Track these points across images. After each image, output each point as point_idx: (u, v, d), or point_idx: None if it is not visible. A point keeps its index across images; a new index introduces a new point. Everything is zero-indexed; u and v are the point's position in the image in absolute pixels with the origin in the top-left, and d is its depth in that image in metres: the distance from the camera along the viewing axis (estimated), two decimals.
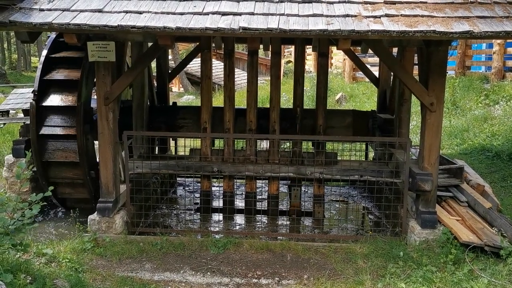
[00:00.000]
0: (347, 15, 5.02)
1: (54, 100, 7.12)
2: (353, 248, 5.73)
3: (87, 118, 7.05)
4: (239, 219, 7.61)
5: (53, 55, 7.28)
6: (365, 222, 7.83)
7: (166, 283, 5.03)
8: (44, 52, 7.37)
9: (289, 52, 27.21)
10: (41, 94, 7.08)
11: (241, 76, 21.23)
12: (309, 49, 19.55)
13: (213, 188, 8.22)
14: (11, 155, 7.83)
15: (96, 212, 6.09)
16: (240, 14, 5.06)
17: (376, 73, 9.19)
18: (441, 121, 5.82)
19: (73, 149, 6.96)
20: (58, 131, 7.04)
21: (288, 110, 7.73)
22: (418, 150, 6.38)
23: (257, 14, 5.06)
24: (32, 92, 7.26)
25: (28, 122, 7.60)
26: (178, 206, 8.31)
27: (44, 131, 7.01)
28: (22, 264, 4.53)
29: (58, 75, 7.20)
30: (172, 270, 5.29)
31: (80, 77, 6.89)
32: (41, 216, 7.47)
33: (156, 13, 5.10)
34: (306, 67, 21.38)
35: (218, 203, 8.01)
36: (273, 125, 7.28)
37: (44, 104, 7.08)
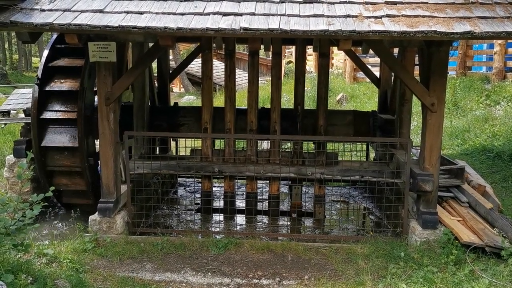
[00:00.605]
0: (348, 16, 5.02)
1: (57, 85, 7.20)
2: (354, 248, 5.72)
3: (89, 104, 7.09)
4: (240, 219, 7.61)
5: (58, 45, 7.34)
6: (366, 222, 7.83)
7: (167, 284, 5.03)
8: (50, 43, 7.50)
9: (289, 53, 27.22)
10: (44, 79, 7.15)
11: (242, 77, 21.25)
12: (310, 50, 19.57)
13: (214, 189, 8.22)
14: (12, 155, 7.83)
15: (97, 212, 6.09)
16: (241, 14, 5.06)
17: (377, 74, 9.18)
18: (442, 121, 5.82)
19: (72, 134, 6.98)
20: (59, 115, 7.09)
21: (289, 110, 7.73)
22: (419, 150, 6.38)
23: (258, 14, 5.06)
24: (35, 77, 7.34)
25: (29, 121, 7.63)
26: (179, 207, 8.31)
27: (45, 115, 7.06)
28: (23, 265, 4.53)
29: (63, 62, 7.30)
30: (173, 271, 5.29)
31: (84, 63, 6.94)
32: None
33: (157, 13, 5.10)
34: (307, 67, 21.38)
35: (219, 203, 8.01)
36: (274, 126, 7.28)
37: (47, 88, 7.14)
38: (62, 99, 7.17)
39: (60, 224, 7.37)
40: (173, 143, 9.23)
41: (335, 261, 5.47)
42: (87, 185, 7.11)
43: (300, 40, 7.34)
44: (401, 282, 4.91)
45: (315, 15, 5.05)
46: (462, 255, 5.31)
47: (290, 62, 24.82)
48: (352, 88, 17.69)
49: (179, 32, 4.93)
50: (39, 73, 7.21)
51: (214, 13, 5.08)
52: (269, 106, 7.50)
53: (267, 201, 7.70)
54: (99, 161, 6.36)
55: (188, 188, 9.18)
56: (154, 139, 8.15)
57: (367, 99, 15.84)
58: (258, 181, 7.98)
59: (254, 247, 5.76)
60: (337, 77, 19.59)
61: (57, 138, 7.03)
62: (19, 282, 4.09)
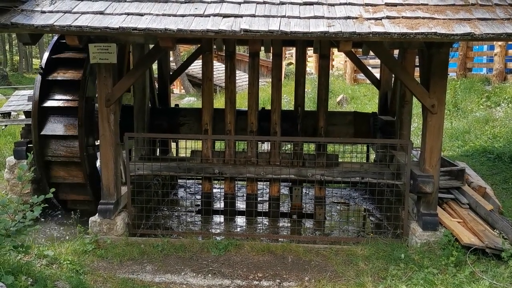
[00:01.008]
0: (348, 17, 5.03)
1: (60, 75, 7.28)
2: (354, 250, 5.72)
3: (91, 94, 7.14)
4: (240, 221, 7.60)
5: (63, 40, 7.45)
6: (366, 224, 7.82)
7: (167, 285, 5.04)
8: (55, 38, 7.63)
9: (290, 54, 27.22)
10: (48, 70, 7.26)
11: (242, 78, 21.26)
12: (310, 51, 19.55)
13: (214, 190, 8.21)
14: (12, 156, 7.83)
15: (97, 214, 6.10)
16: (241, 16, 5.07)
17: (378, 75, 9.19)
18: (442, 123, 5.82)
19: (73, 123, 7.02)
20: (61, 103, 7.15)
21: (289, 112, 7.73)
22: (419, 152, 6.38)
23: (258, 16, 5.07)
24: (39, 67, 7.48)
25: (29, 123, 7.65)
26: (179, 208, 8.31)
27: (47, 103, 7.12)
28: (23, 266, 4.53)
29: (66, 55, 7.40)
30: (173, 272, 5.29)
31: (87, 56, 6.99)
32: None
33: (157, 15, 5.11)
34: (307, 68, 21.35)
35: (219, 205, 8.00)
36: (274, 127, 7.29)
37: (50, 78, 7.22)
38: (64, 88, 7.25)
39: (60, 225, 7.36)
40: (173, 144, 9.24)
41: (335, 262, 5.47)
42: (85, 178, 7.06)
43: (301, 41, 7.35)
44: (402, 283, 4.91)
45: (315, 17, 5.06)
46: (462, 256, 5.31)
47: (290, 63, 24.82)
48: (353, 90, 17.68)
49: (179, 34, 4.94)
50: (43, 63, 7.33)
51: (215, 15, 5.09)
52: (269, 107, 7.50)
53: (268, 203, 7.71)
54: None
55: (189, 190, 9.19)
56: (155, 140, 8.15)
57: (367, 101, 15.84)
58: (259, 183, 7.98)
59: (254, 249, 5.76)
60: (337, 79, 19.59)
61: (58, 127, 7.08)
62: (19, 284, 4.09)
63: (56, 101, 7.18)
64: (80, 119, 6.88)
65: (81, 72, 7.07)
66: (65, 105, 7.13)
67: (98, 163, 7.31)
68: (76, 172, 7.13)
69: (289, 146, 10.10)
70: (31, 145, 7.32)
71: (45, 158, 7.10)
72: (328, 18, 5.04)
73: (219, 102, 15.96)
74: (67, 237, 6.56)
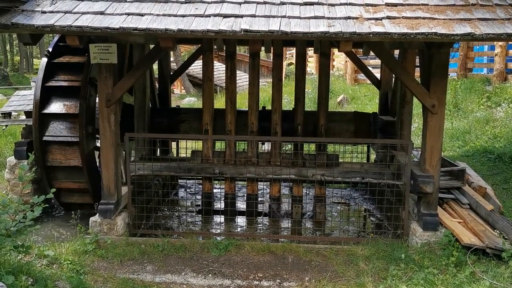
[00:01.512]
0: (349, 17, 5.03)
1: (66, 60, 7.40)
2: (355, 250, 5.72)
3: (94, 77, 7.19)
4: (241, 221, 7.60)
5: None
6: (366, 224, 7.82)
7: (167, 285, 5.04)
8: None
9: (290, 54, 27.22)
10: (54, 55, 7.40)
11: (242, 78, 21.25)
12: (310, 51, 19.54)
13: (215, 190, 8.21)
14: (13, 157, 7.84)
15: (97, 214, 6.10)
16: (241, 16, 5.07)
17: (378, 75, 9.19)
18: (442, 123, 5.82)
19: (74, 103, 7.08)
20: (64, 83, 7.25)
21: (290, 112, 7.73)
22: (420, 152, 6.38)
23: (258, 16, 5.08)
24: (46, 50, 7.61)
25: (30, 124, 7.64)
26: (179, 208, 8.32)
27: (51, 83, 7.21)
28: (24, 266, 4.54)
29: None
30: (173, 272, 5.30)
31: None
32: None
33: (157, 15, 5.11)
34: (308, 69, 21.37)
35: (219, 205, 8.00)
36: (275, 127, 7.29)
37: (55, 61, 7.35)
38: (68, 70, 7.35)
39: (60, 226, 7.36)
40: (173, 144, 9.24)
41: (335, 262, 5.47)
42: (82, 160, 6.96)
43: (301, 41, 7.35)
44: (402, 283, 4.91)
45: (315, 17, 5.06)
46: (463, 256, 5.31)
47: (291, 63, 24.82)
48: (353, 90, 17.68)
49: (179, 34, 4.94)
50: (50, 48, 7.45)
51: (215, 15, 5.09)
52: (270, 107, 7.50)
53: (268, 203, 7.70)
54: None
55: (189, 190, 9.19)
56: (155, 140, 8.15)
57: (368, 101, 15.84)
58: (259, 183, 7.98)
59: (254, 249, 5.77)
60: (338, 79, 19.59)
61: (59, 106, 7.16)
62: (19, 284, 4.10)
63: (60, 81, 7.29)
64: (82, 97, 6.92)
65: (86, 57, 7.11)
66: (69, 85, 7.20)
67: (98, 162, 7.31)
68: (73, 155, 7.07)
69: (289, 146, 10.10)
70: (32, 128, 7.33)
71: (44, 136, 7.08)
72: (328, 18, 5.04)
73: (219, 102, 15.96)
74: (67, 237, 6.56)
